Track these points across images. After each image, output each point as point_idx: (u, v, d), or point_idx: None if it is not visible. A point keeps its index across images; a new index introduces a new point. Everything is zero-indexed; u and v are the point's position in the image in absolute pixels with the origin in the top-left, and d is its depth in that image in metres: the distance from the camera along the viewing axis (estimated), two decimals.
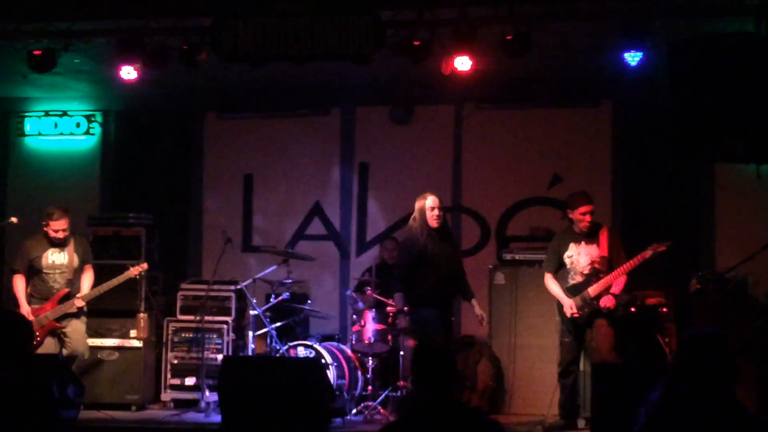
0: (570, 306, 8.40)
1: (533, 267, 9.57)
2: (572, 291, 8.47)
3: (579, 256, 8.47)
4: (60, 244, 8.95)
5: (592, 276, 8.41)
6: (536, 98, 10.59)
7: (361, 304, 9.60)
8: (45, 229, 8.91)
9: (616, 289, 8.43)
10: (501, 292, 9.53)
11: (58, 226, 8.85)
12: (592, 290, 8.36)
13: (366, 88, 10.71)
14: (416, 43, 7.97)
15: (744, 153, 7.80)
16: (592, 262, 8.43)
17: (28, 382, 4.01)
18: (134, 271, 9.13)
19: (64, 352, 8.85)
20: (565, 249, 8.54)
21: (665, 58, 7.80)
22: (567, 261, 8.54)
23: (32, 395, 3.99)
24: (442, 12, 8.07)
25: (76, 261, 8.98)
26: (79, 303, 8.91)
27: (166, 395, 9.82)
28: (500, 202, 10.61)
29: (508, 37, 7.89)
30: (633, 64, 8.06)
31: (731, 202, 10.13)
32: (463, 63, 8.15)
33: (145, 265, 9.23)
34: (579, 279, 8.47)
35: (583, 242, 8.48)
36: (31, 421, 3.93)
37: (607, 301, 8.32)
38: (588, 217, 8.45)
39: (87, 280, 9.10)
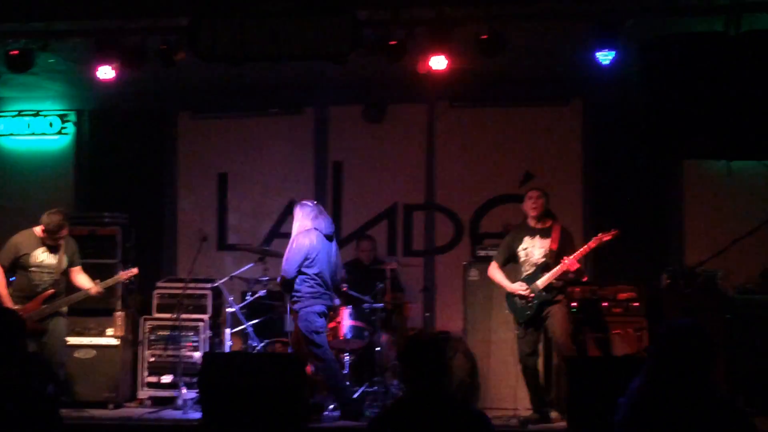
0: (519, 285, 8.54)
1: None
2: (524, 281, 8.60)
3: (533, 249, 8.60)
4: (52, 245, 8.86)
5: (543, 267, 8.52)
6: (508, 97, 10.74)
7: (336, 301, 9.68)
8: (44, 235, 8.78)
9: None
10: (475, 289, 9.62)
11: (60, 236, 8.78)
12: (542, 282, 8.48)
13: (339, 87, 10.79)
14: (392, 42, 8.07)
15: (715, 150, 7.95)
16: (545, 255, 8.55)
17: (27, 381, 4.05)
18: (123, 275, 9.10)
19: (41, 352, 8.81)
20: (520, 242, 8.69)
21: (636, 57, 7.96)
22: (521, 254, 8.66)
23: (31, 394, 4.03)
24: (419, 12, 8.18)
25: (64, 262, 8.90)
26: (97, 289, 8.89)
27: (143, 393, 9.84)
28: (473, 200, 10.74)
29: (483, 37, 8.00)
30: (605, 63, 8.18)
31: (700, 198, 10.32)
32: (438, 62, 8.25)
33: (135, 270, 9.15)
34: (530, 270, 8.60)
35: (537, 236, 8.63)
36: (32, 419, 3.96)
37: (570, 264, 8.39)
38: (534, 201, 8.61)
39: (84, 278, 9.03)
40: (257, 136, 11.25)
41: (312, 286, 8.66)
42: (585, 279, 8.76)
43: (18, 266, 8.81)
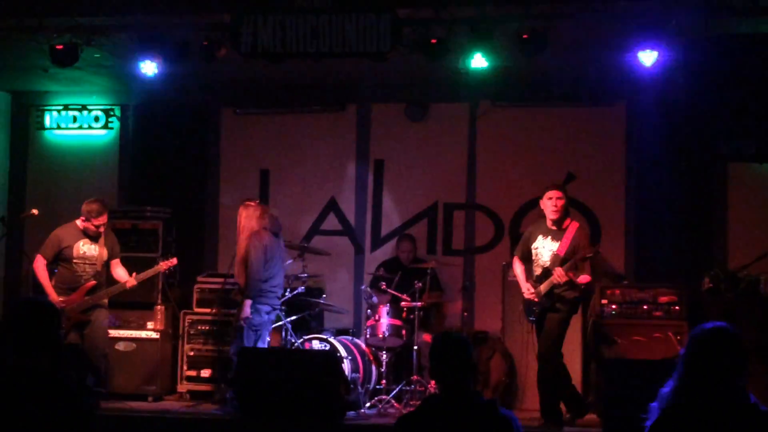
0: (528, 288, 8.47)
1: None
2: (533, 283, 8.55)
3: (543, 250, 8.52)
4: (93, 237, 8.97)
5: (547, 272, 8.44)
6: (551, 97, 10.64)
7: (375, 299, 9.71)
8: (84, 224, 8.91)
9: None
10: (514, 289, 9.56)
11: (98, 222, 8.88)
12: (544, 287, 8.40)
13: (382, 85, 10.80)
14: (433, 41, 8.05)
15: (760, 152, 7.87)
16: (551, 259, 8.45)
17: (58, 370, 4.09)
18: (163, 265, 9.16)
19: (83, 344, 8.92)
20: (534, 240, 8.60)
21: (681, 58, 7.89)
22: (533, 252, 8.59)
23: (62, 384, 4.07)
24: (460, 10, 8.15)
25: (105, 254, 9.01)
26: (132, 282, 8.96)
27: (183, 386, 9.94)
28: (514, 200, 10.66)
29: (524, 36, 7.96)
30: (648, 63, 8.10)
31: (745, 202, 10.19)
32: (478, 61, 8.22)
33: (174, 260, 9.20)
34: (538, 272, 8.54)
35: (550, 237, 8.51)
36: (61, 409, 4.00)
37: (558, 276, 8.29)
38: (555, 202, 8.45)
39: (122, 271, 9.12)
40: (300, 133, 11.27)
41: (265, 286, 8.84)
42: (585, 281, 8.51)
43: (61, 258, 8.93)
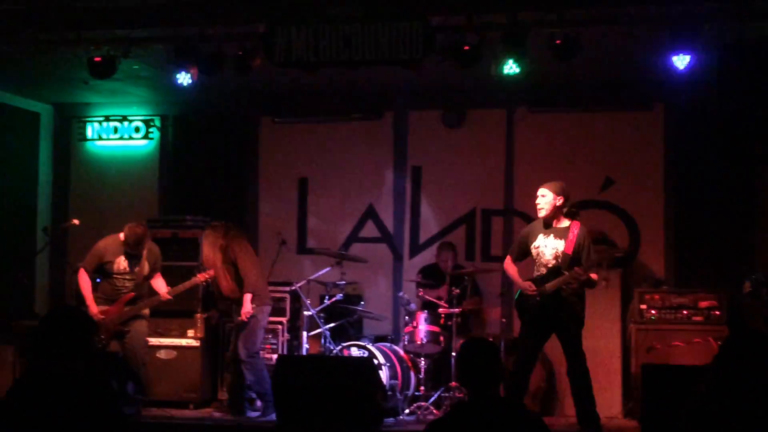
0: (529, 286, 8.28)
1: None
2: (534, 283, 8.32)
3: (545, 249, 8.31)
4: (134, 252, 9.07)
5: (554, 271, 8.24)
6: (588, 102, 10.60)
7: (413, 306, 9.73)
8: (123, 236, 9.01)
9: None
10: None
11: (140, 249, 9.01)
12: (550, 286, 8.20)
13: (418, 92, 10.83)
14: (466, 47, 8.05)
15: None
16: (556, 257, 8.26)
17: (91, 377, 4.15)
18: (200, 277, 9.21)
19: (123, 352, 9.01)
20: (534, 239, 8.40)
21: (715, 61, 7.83)
22: (533, 251, 8.39)
23: (95, 389, 4.12)
24: (492, 17, 8.15)
25: (146, 268, 9.11)
26: (166, 296, 9.06)
27: (223, 394, 9.99)
28: None
29: (557, 42, 7.93)
30: (682, 67, 8.03)
31: None
32: (511, 67, 8.21)
33: (212, 272, 9.24)
34: (542, 271, 8.32)
35: (551, 235, 8.32)
36: (95, 414, 4.05)
37: (578, 273, 8.13)
38: (537, 201, 8.37)
39: (161, 283, 9.23)
40: (338, 141, 11.32)
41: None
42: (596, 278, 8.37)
43: (102, 272, 9.07)
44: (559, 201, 8.33)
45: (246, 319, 9.05)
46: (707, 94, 9.50)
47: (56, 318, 4.28)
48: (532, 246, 8.39)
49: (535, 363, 8.51)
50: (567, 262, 8.18)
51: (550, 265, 8.25)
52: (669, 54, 8.02)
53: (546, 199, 8.32)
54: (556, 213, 8.33)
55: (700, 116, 10.01)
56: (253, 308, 9.05)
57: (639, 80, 10.10)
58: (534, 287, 8.24)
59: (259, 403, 9.45)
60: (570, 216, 8.42)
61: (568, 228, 8.31)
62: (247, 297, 9.06)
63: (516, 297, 8.57)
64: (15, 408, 4.05)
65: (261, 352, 9.64)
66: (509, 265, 8.62)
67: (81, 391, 4.09)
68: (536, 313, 8.27)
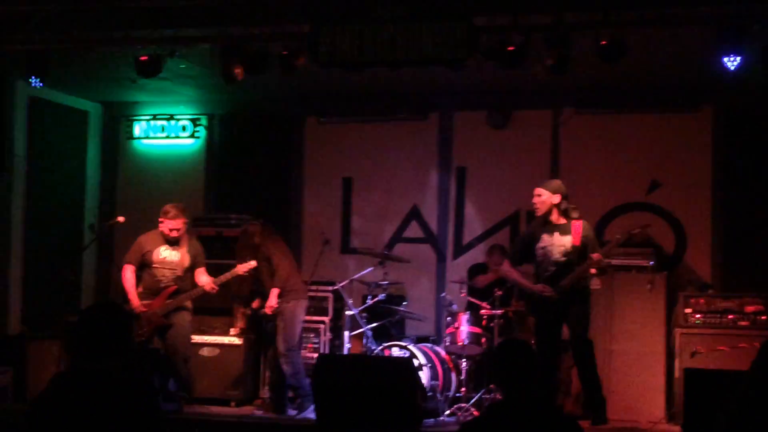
0: (543, 288, 8.23)
1: (630, 272, 9.55)
2: (547, 284, 8.28)
3: (552, 247, 8.29)
4: (173, 242, 9.14)
5: (565, 267, 8.21)
6: (635, 103, 10.51)
7: (455, 307, 9.70)
8: (160, 226, 9.11)
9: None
10: (597, 297, 9.45)
11: (172, 225, 9.04)
12: (566, 282, 8.17)
13: (464, 93, 10.80)
14: (510, 48, 8.01)
15: None
16: (566, 253, 8.23)
17: (131, 373, 4.17)
18: (240, 268, 9.19)
19: (165, 348, 9.07)
20: (537, 240, 8.36)
21: (763, 62, 7.73)
22: (539, 252, 8.35)
23: (134, 385, 4.14)
24: (537, 18, 8.11)
25: (187, 261, 9.14)
26: (211, 285, 9.09)
27: (265, 392, 10.03)
28: (598, 207, 10.51)
29: (603, 43, 7.87)
30: (732, 68, 7.93)
31: None
32: (556, 68, 8.15)
33: (253, 263, 9.21)
34: (551, 270, 8.28)
35: (556, 233, 8.31)
36: (133, 411, 4.07)
37: (597, 259, 8.15)
38: (535, 199, 8.37)
39: (206, 277, 9.24)
40: (382, 141, 11.33)
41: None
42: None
43: (143, 264, 9.14)
44: (555, 199, 8.36)
45: (270, 313, 9.12)
46: (756, 95, 9.39)
47: (94, 314, 4.29)
48: (538, 247, 8.37)
49: (559, 359, 8.49)
50: (578, 254, 8.21)
51: (560, 262, 8.26)
52: (719, 55, 7.92)
53: (541, 198, 8.39)
54: (553, 211, 8.35)
55: (749, 118, 9.89)
56: (279, 302, 9.10)
57: (687, 82, 10.00)
58: (550, 289, 8.23)
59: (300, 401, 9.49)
60: (566, 216, 8.39)
61: (569, 224, 8.32)
62: (274, 291, 9.11)
63: (526, 300, 8.56)
64: (51, 405, 4.07)
65: (303, 350, 9.68)
66: (511, 270, 8.65)
67: (118, 388, 4.10)
68: (551, 310, 8.26)
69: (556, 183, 8.51)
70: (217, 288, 9.16)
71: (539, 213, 8.40)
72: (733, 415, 4.13)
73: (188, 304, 9.16)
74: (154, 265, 9.11)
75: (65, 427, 4.02)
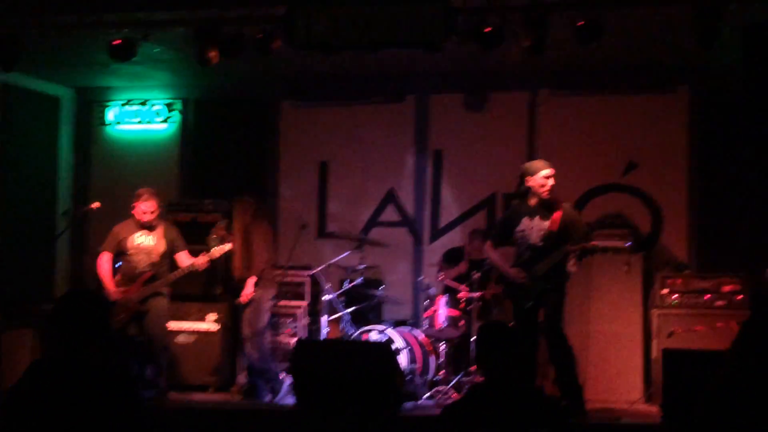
0: (517, 272, 8.16)
1: (607, 254, 9.49)
2: (522, 267, 8.22)
3: (531, 231, 8.19)
4: (148, 227, 9.10)
5: (543, 251, 8.13)
6: (611, 84, 10.51)
7: (433, 290, 9.69)
8: (133, 211, 9.08)
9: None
10: (574, 279, 9.45)
11: (146, 208, 9.01)
12: (539, 268, 8.11)
13: (440, 75, 10.76)
14: (487, 29, 7.96)
15: None
16: (544, 237, 8.14)
17: (107, 361, 4.12)
18: (216, 252, 9.12)
19: (142, 336, 9.01)
20: (517, 223, 8.26)
21: (740, 42, 7.72)
22: (518, 235, 8.26)
23: (112, 373, 4.09)
24: None
25: (162, 246, 9.10)
26: (201, 260, 9.01)
27: (242, 377, 9.98)
28: (574, 189, 10.47)
29: (579, 24, 7.83)
30: (708, 49, 7.91)
31: None
32: (533, 50, 8.11)
33: (228, 246, 9.15)
34: (529, 254, 8.20)
35: (537, 217, 8.20)
36: (112, 398, 4.02)
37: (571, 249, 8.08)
38: (552, 181, 8.18)
39: (187, 259, 9.19)
40: (358, 125, 11.27)
41: None
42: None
43: (120, 251, 9.10)
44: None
45: (245, 302, 9.06)
46: (732, 76, 9.39)
47: (71, 302, 4.24)
48: (517, 230, 8.27)
49: (538, 342, 8.37)
50: (555, 240, 8.11)
51: (537, 247, 8.16)
52: (696, 35, 7.89)
53: (551, 181, 8.22)
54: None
55: (724, 99, 9.88)
56: (255, 290, 9.04)
57: (663, 63, 10.00)
58: (523, 275, 8.14)
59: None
60: (551, 197, 8.29)
61: (552, 209, 8.20)
62: (251, 280, 9.07)
63: (504, 284, 8.50)
64: (28, 394, 4.02)
65: (280, 336, 9.65)
66: (492, 251, 8.51)
67: (96, 376, 4.06)
68: (526, 295, 8.17)
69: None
70: (206, 264, 9.08)
71: (550, 196, 8.21)
72: (715, 395, 4.12)
73: (165, 290, 9.10)
74: (129, 252, 9.08)
75: (43, 416, 3.97)
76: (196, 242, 9.99)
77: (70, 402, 3.98)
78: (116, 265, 9.19)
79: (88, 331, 4.15)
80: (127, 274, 9.08)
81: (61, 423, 3.96)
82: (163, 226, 9.18)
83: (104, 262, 9.09)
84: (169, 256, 9.21)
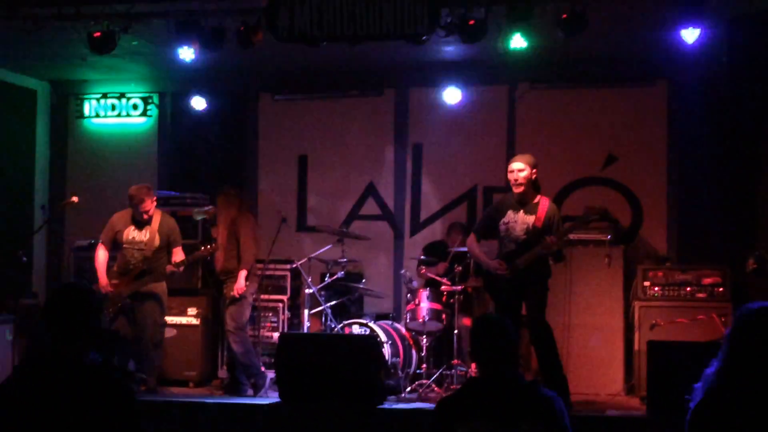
0: (498, 264, 8.16)
1: (588, 246, 9.58)
2: (504, 260, 8.22)
3: (515, 224, 8.21)
4: (143, 222, 9.08)
5: (525, 245, 8.14)
6: (590, 78, 10.54)
7: (415, 283, 9.68)
8: (132, 209, 9.07)
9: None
10: (555, 272, 9.48)
11: (142, 208, 9.01)
12: (522, 261, 8.11)
13: (419, 69, 10.74)
14: (471, 22, 7.95)
15: None
16: (527, 232, 8.17)
17: (100, 354, 4.08)
18: (205, 251, 9.12)
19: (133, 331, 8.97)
20: (502, 215, 8.28)
21: (724, 35, 7.74)
22: (502, 228, 8.27)
23: (104, 370, 4.05)
24: None
25: (157, 240, 9.07)
26: (170, 267, 9.00)
27: (223, 372, 9.94)
28: (554, 182, 10.48)
29: (563, 16, 7.84)
30: (690, 41, 7.95)
31: None
32: (517, 42, 8.12)
33: (215, 246, 9.13)
34: (511, 247, 8.21)
35: (521, 211, 8.22)
36: (105, 395, 3.98)
37: (551, 242, 8.02)
38: (515, 176, 8.14)
39: (178, 256, 9.18)
40: (338, 118, 11.26)
41: None
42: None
43: (115, 245, 9.12)
44: (534, 175, 8.24)
45: (238, 296, 9.02)
46: (712, 68, 9.43)
47: (60, 297, 4.19)
48: (501, 222, 8.28)
49: (520, 334, 8.35)
50: (538, 235, 8.11)
51: (520, 240, 8.18)
52: (675, 28, 7.94)
53: (524, 174, 8.17)
54: (532, 188, 8.24)
55: (703, 92, 9.91)
56: (236, 282, 9.02)
57: (642, 56, 10.04)
58: (504, 266, 8.15)
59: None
60: (536, 189, 8.30)
61: (537, 203, 8.23)
62: (242, 274, 9.04)
63: (483, 277, 8.50)
64: (20, 391, 3.97)
65: (261, 330, 9.62)
66: (474, 244, 8.51)
67: (88, 371, 4.01)
68: (506, 287, 8.18)
69: (533, 157, 8.31)
70: (179, 269, 9.07)
71: (521, 190, 8.19)
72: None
73: (158, 287, 9.08)
74: (124, 246, 9.10)
75: (34, 413, 3.92)
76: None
77: (62, 397, 3.93)
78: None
79: (82, 325, 4.11)
80: (121, 268, 9.10)
81: (53, 419, 3.91)
82: (159, 218, 9.16)
83: (99, 253, 9.12)
84: (165, 250, 9.17)
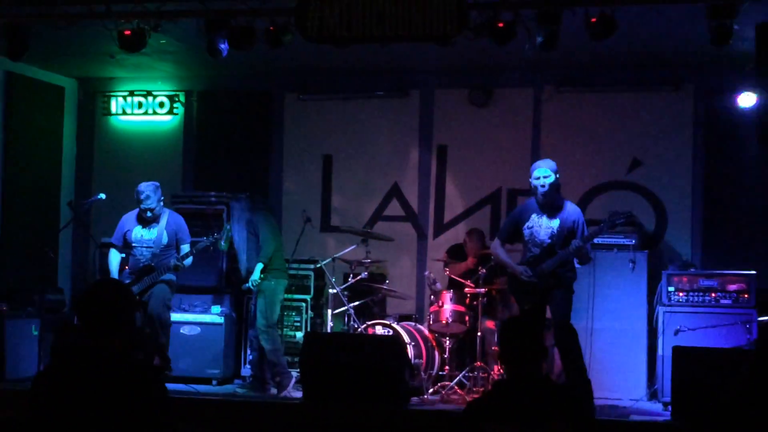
0: (524, 270, 8.15)
1: (612, 251, 9.55)
2: (528, 265, 8.21)
3: (539, 228, 8.20)
4: (150, 221, 9.12)
5: (550, 250, 8.14)
6: (617, 82, 10.52)
7: (438, 285, 9.69)
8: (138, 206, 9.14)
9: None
10: (579, 276, 9.49)
11: (145, 206, 9.06)
12: (547, 266, 8.09)
13: (445, 70, 10.77)
14: (500, 24, 7.95)
15: None
16: (551, 236, 8.15)
17: (131, 352, 4.12)
18: (207, 242, 9.15)
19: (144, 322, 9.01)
20: (526, 220, 8.27)
21: (753, 41, 7.72)
22: (526, 232, 8.26)
23: (137, 365, 4.09)
24: None
25: (165, 238, 9.11)
26: (174, 262, 9.03)
27: (246, 370, 9.97)
28: (579, 186, 10.51)
29: (593, 20, 7.83)
30: (721, 48, 7.89)
31: None
32: (546, 45, 8.10)
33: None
34: (535, 251, 8.20)
35: (545, 215, 8.21)
36: (137, 390, 4.02)
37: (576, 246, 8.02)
38: (541, 182, 8.14)
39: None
40: (363, 119, 11.26)
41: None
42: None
43: (126, 244, 9.16)
44: (558, 179, 8.24)
45: (253, 287, 9.05)
46: (737, 73, 9.40)
47: (96, 292, 4.24)
48: (525, 226, 8.27)
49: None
50: (562, 239, 8.12)
51: (545, 244, 8.17)
52: (705, 34, 7.89)
53: (549, 180, 8.18)
54: (554, 192, 8.22)
55: (730, 96, 9.89)
56: (261, 280, 9.05)
57: (669, 60, 10.02)
58: (530, 272, 8.14)
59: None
60: (558, 195, 8.30)
61: (561, 207, 8.23)
62: (258, 266, 9.07)
63: (508, 279, 8.50)
64: (56, 380, 4.01)
65: (284, 330, 9.67)
66: (499, 249, 8.51)
67: (122, 365, 4.05)
68: (531, 290, 8.18)
69: (553, 162, 8.33)
70: (182, 263, 9.07)
71: (546, 195, 8.17)
72: (738, 394, 4.12)
73: (169, 280, 9.11)
74: (133, 245, 9.15)
75: (69, 403, 3.97)
76: (200, 234, 9.99)
77: (96, 390, 3.97)
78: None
79: (114, 320, 4.15)
80: (132, 266, 9.15)
81: (87, 410, 3.96)
82: (167, 217, 9.21)
83: (112, 255, 9.21)
84: (173, 248, 9.20)
